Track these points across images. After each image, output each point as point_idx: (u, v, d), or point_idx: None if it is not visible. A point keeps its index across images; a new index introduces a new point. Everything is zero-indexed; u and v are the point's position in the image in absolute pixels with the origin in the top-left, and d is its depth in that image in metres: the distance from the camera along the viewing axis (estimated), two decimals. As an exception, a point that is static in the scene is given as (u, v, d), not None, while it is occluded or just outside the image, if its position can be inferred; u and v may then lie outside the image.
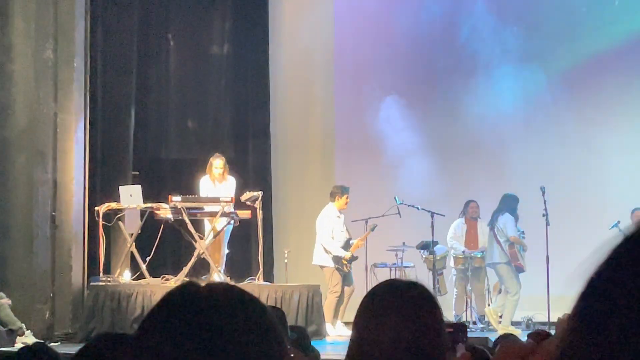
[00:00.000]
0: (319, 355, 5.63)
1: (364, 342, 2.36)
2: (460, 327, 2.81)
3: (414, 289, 2.42)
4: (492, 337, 8.08)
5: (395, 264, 13.22)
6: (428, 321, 2.35)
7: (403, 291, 2.42)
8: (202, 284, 1.44)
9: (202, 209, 11.74)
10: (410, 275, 13.10)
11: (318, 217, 12.33)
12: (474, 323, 12.98)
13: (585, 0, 14.58)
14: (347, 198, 12.21)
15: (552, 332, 7.33)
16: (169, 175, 14.15)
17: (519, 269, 12.44)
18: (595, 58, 14.40)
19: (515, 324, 12.98)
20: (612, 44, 14.37)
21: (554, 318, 12.01)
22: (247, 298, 1.43)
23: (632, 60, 14.35)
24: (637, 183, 13.76)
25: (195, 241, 11.61)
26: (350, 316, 11.11)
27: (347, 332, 12.15)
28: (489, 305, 12.92)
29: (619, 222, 12.28)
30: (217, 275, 11.52)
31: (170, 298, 1.42)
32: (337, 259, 12.10)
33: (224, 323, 1.36)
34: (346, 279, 12.22)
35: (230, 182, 12.04)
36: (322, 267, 12.25)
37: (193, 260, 11.62)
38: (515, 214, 12.43)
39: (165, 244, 12.34)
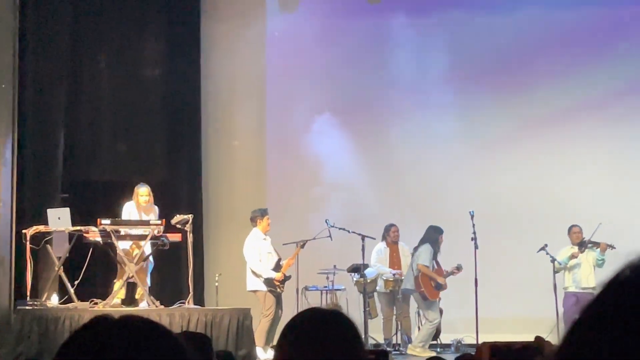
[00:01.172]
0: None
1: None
2: (381, 355, 2.82)
3: (336, 318, 2.42)
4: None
5: (326, 286, 13.24)
6: (349, 352, 2.35)
7: (324, 321, 2.41)
8: (116, 317, 1.43)
9: (130, 232, 11.64)
10: (341, 298, 13.13)
11: (244, 244, 12.34)
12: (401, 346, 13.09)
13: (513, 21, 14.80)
14: (267, 219, 12.28)
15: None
16: (100, 198, 14.00)
17: (425, 296, 12.63)
18: (526, 86, 14.65)
19: (444, 346, 13.09)
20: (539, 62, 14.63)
21: (482, 340, 12.14)
22: (160, 332, 1.42)
23: (563, 90, 14.59)
24: (568, 204, 13.97)
25: (125, 265, 11.50)
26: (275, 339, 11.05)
27: None
28: (418, 327, 13.05)
29: (546, 245, 12.48)
30: (147, 299, 11.42)
31: (81, 333, 1.41)
32: (268, 282, 12.09)
33: (136, 358, 1.36)
34: (279, 302, 12.21)
35: (155, 212, 11.97)
36: (255, 291, 12.23)
37: (122, 284, 11.52)
38: (435, 244, 12.65)
39: (94, 268, 12.18)
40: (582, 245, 12.49)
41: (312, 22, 15.17)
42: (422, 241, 12.76)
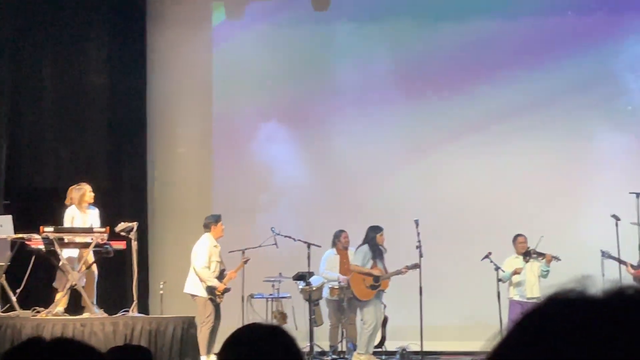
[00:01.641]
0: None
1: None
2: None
3: (276, 335, 2.41)
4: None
5: (272, 294, 13.21)
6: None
7: (265, 338, 2.40)
8: (48, 340, 1.42)
9: (74, 240, 11.51)
10: (287, 306, 13.13)
11: (194, 245, 12.24)
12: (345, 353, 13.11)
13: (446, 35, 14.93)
14: (221, 225, 12.20)
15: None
16: (42, 205, 13.82)
17: (355, 297, 12.58)
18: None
19: (389, 353, 13.13)
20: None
21: (427, 348, 12.20)
22: (93, 357, 1.42)
23: (509, 98, 14.74)
24: (514, 212, 14.09)
25: (68, 273, 11.38)
26: (219, 347, 11.03)
27: None
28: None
29: (490, 253, 12.54)
30: (91, 309, 11.31)
31: (13, 355, 1.40)
32: (210, 290, 12.04)
33: None
34: (218, 311, 12.16)
35: (96, 213, 11.85)
36: (193, 296, 12.16)
37: (65, 292, 11.40)
38: (374, 244, 12.55)
39: (36, 276, 12.04)
40: (527, 255, 12.54)
41: (259, 29, 15.16)
42: (362, 243, 12.70)
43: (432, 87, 14.86)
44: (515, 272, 12.36)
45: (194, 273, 12.14)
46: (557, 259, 12.37)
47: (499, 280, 12.34)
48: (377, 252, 12.60)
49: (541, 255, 12.47)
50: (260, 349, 2.35)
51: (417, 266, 12.54)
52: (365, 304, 12.55)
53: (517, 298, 12.39)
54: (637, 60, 14.45)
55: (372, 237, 12.54)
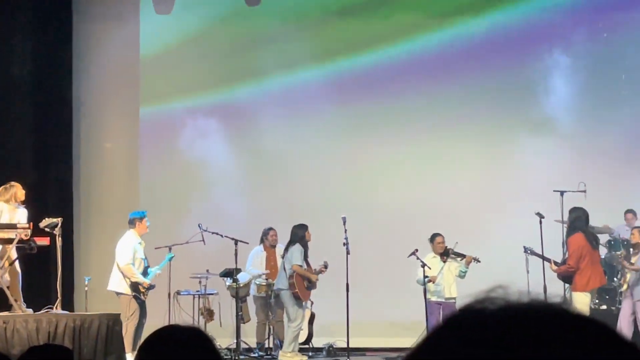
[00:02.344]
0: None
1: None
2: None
3: (194, 338, 2.39)
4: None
5: (199, 291, 13.15)
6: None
7: (182, 340, 2.38)
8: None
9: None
10: (214, 302, 13.07)
11: (118, 242, 12.13)
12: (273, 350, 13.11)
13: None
14: (146, 222, 12.12)
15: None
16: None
17: (298, 297, 12.58)
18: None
19: (316, 350, 13.16)
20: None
21: (353, 344, 12.26)
22: None
23: (441, 101, 14.86)
24: (437, 212, 14.21)
25: (-10, 269, 11.19)
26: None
27: None
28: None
29: (416, 250, 12.60)
30: (18, 308, 11.12)
31: None
32: (135, 287, 11.93)
33: None
34: (143, 309, 12.07)
35: (25, 214, 11.67)
36: (118, 293, 12.05)
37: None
38: (304, 242, 12.55)
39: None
40: (445, 254, 12.59)
41: (188, 23, 15.07)
42: (291, 242, 12.64)
43: (360, 86, 14.90)
44: (430, 281, 12.36)
45: (117, 270, 12.03)
46: (477, 260, 12.39)
47: (425, 277, 12.39)
48: (306, 252, 12.61)
49: (461, 256, 12.49)
50: (178, 352, 2.33)
51: (326, 266, 12.61)
52: (300, 303, 12.55)
53: (434, 299, 12.41)
54: (548, 71, 14.70)
55: (302, 236, 12.52)
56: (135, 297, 11.97)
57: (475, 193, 14.49)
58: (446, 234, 12.60)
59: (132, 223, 12.16)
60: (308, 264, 12.66)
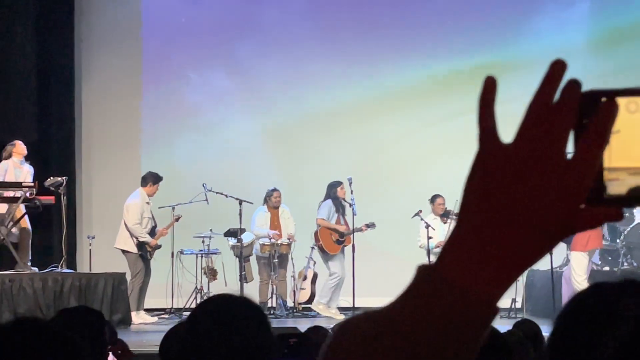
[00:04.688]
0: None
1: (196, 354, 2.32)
2: (303, 338, 2.82)
3: (244, 306, 2.38)
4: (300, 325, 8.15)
5: (202, 250, 13.16)
6: (258, 339, 2.33)
7: (234, 308, 2.38)
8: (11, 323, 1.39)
9: (2, 194, 11.31)
10: (217, 262, 13.10)
11: (127, 200, 12.14)
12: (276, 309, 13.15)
13: None
14: (157, 188, 12.15)
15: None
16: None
17: (324, 250, 12.71)
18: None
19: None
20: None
21: (358, 303, 12.31)
22: (61, 339, 1.38)
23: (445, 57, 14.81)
24: (437, 172, 14.21)
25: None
26: (149, 303, 10.92)
27: (150, 319, 12.03)
28: (294, 291, 13.15)
29: (420, 210, 12.64)
30: (22, 265, 11.14)
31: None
32: (141, 246, 11.98)
33: None
34: (148, 268, 12.13)
35: (31, 172, 11.67)
36: (124, 251, 12.09)
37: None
38: (335, 199, 12.67)
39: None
40: (446, 216, 12.64)
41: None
42: (324, 198, 12.83)
43: (365, 38, 14.84)
44: (437, 247, 12.42)
45: (124, 228, 12.04)
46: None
47: (429, 237, 12.43)
48: (339, 207, 12.72)
49: None
50: (229, 320, 2.33)
51: (373, 225, 12.76)
52: (331, 257, 12.72)
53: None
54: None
55: (333, 192, 12.69)
56: (141, 255, 12.01)
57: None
58: (447, 195, 12.66)
59: (144, 181, 12.20)
60: (343, 220, 12.77)
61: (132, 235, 11.99)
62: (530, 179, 0.81)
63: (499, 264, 0.83)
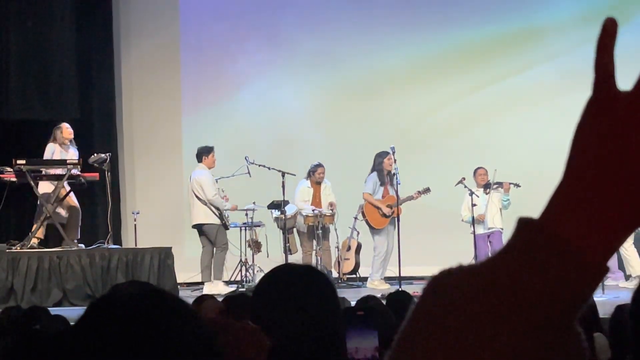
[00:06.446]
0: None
1: (263, 324, 2.33)
2: (371, 310, 2.83)
3: (311, 275, 2.40)
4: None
5: (245, 223, 13.18)
6: (326, 307, 2.34)
7: (300, 278, 2.39)
8: (130, 290, 1.37)
9: (48, 172, 11.40)
10: (261, 234, 13.11)
11: (195, 177, 12.21)
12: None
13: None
14: (213, 156, 12.32)
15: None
16: (11, 138, 13.62)
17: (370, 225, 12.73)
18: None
19: (363, 279, 13.20)
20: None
21: (405, 273, 12.31)
22: (178, 309, 1.36)
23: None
24: (480, 142, 14.13)
25: (42, 206, 11.28)
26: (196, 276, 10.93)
27: (227, 289, 11.95)
28: (338, 262, 13.17)
29: (463, 178, 12.61)
30: (69, 242, 11.23)
31: (98, 304, 1.36)
32: (222, 216, 12.15)
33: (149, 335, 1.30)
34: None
35: (76, 153, 11.74)
36: (204, 225, 12.18)
37: (39, 224, 11.31)
38: (380, 169, 12.64)
39: (9, 209, 11.93)
40: (487, 187, 12.62)
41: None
42: (371, 170, 12.80)
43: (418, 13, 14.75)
44: (478, 220, 12.45)
45: (200, 204, 12.14)
46: (517, 185, 12.48)
47: (473, 204, 12.40)
48: (385, 178, 12.69)
49: (499, 184, 12.54)
50: (297, 290, 2.34)
51: (428, 190, 12.73)
52: (378, 232, 12.75)
53: (481, 231, 12.53)
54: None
55: (379, 163, 12.67)
56: (224, 225, 12.18)
57: (517, 123, 14.32)
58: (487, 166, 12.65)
59: (199, 157, 12.31)
60: (387, 191, 12.73)
61: (214, 207, 12.11)
62: None
63: (612, 221, 0.79)
